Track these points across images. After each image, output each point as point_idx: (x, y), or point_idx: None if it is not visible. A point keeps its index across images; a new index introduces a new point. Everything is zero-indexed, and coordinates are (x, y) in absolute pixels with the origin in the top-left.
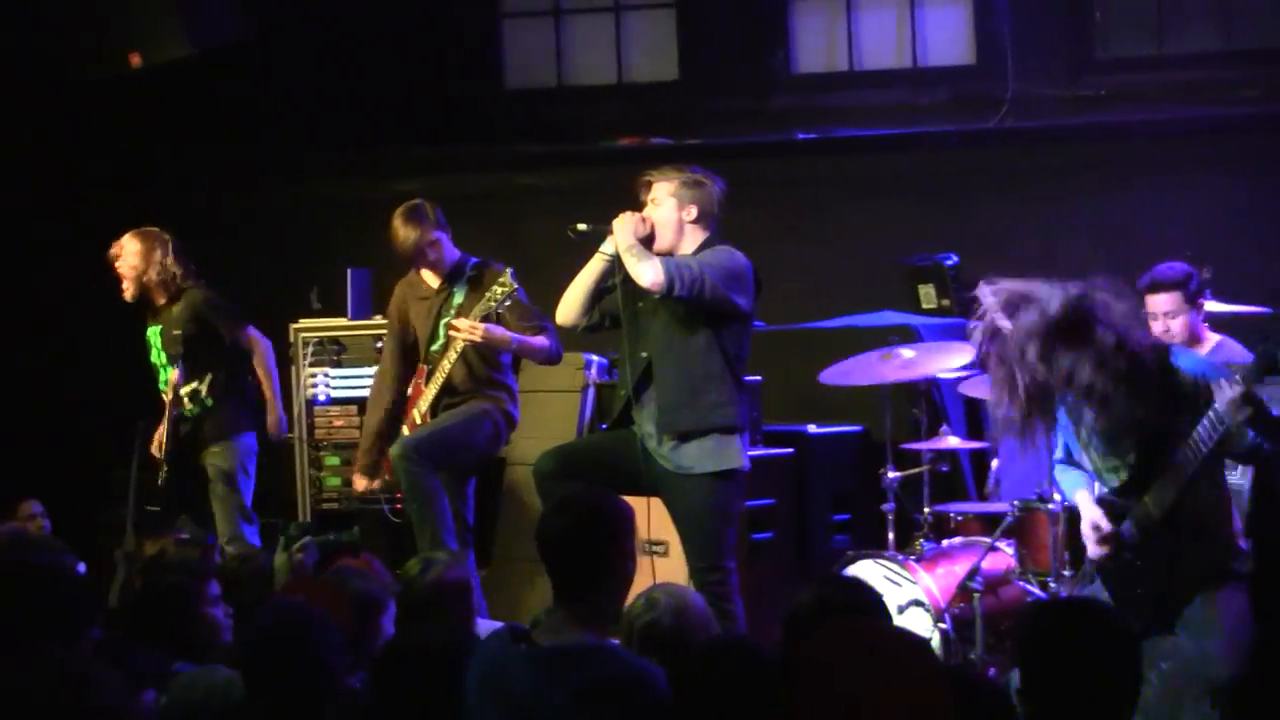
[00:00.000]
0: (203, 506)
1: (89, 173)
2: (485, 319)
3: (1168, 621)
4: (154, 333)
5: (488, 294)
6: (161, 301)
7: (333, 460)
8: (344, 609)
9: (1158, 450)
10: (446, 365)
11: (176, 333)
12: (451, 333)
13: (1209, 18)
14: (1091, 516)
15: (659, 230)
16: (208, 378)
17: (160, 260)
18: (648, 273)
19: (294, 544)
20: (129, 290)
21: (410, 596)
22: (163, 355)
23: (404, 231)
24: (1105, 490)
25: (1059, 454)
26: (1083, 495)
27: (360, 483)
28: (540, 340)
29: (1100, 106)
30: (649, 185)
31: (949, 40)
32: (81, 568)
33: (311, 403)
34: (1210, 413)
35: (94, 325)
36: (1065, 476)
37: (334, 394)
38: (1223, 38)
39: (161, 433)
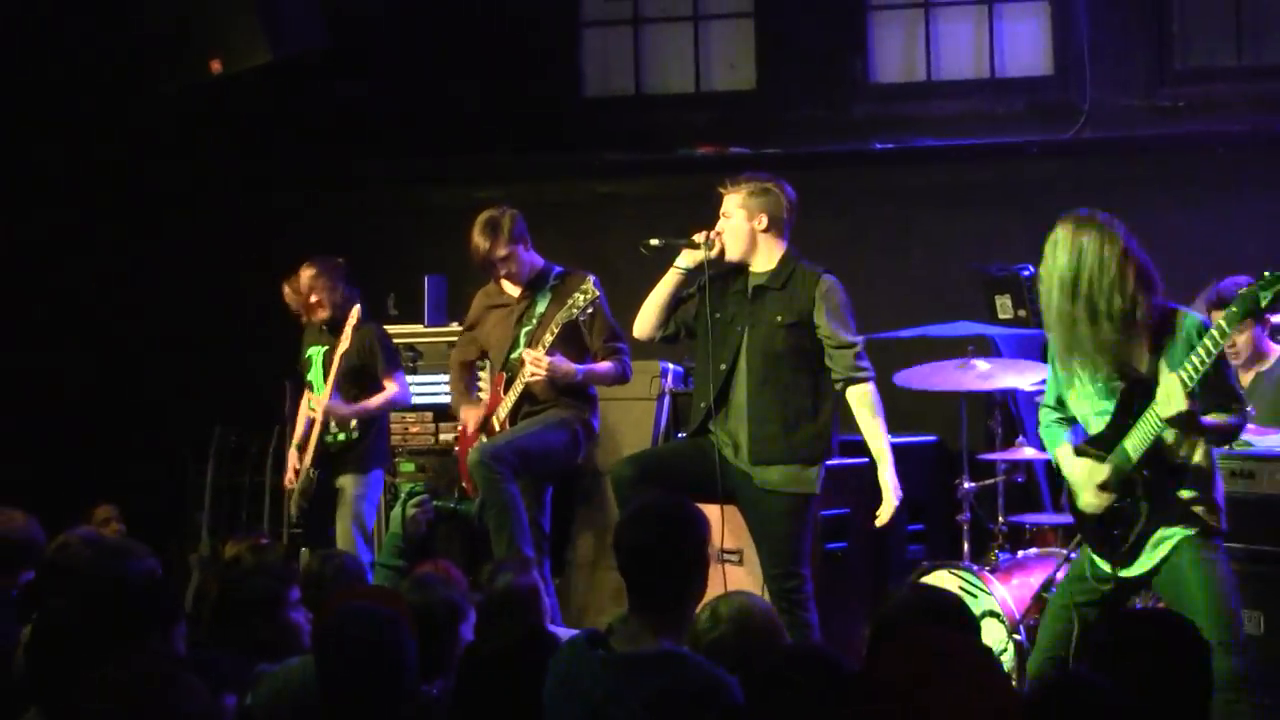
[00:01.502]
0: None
1: (165, 179)
2: (568, 325)
3: (1142, 567)
4: (317, 352)
5: (570, 300)
6: (327, 324)
7: (408, 466)
8: (409, 617)
9: (1141, 399)
10: (526, 374)
11: (343, 359)
12: (521, 370)
13: None
14: (1083, 469)
15: (730, 242)
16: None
17: (340, 284)
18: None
19: (413, 499)
20: (323, 313)
21: (483, 602)
22: (321, 375)
23: (476, 242)
24: (1081, 440)
25: (1048, 399)
26: (1064, 449)
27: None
28: (606, 367)
29: (1178, 117)
30: (720, 198)
31: (1027, 50)
32: (158, 568)
33: None
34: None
35: (169, 332)
36: (1048, 431)
37: (411, 400)
38: None
39: (294, 455)
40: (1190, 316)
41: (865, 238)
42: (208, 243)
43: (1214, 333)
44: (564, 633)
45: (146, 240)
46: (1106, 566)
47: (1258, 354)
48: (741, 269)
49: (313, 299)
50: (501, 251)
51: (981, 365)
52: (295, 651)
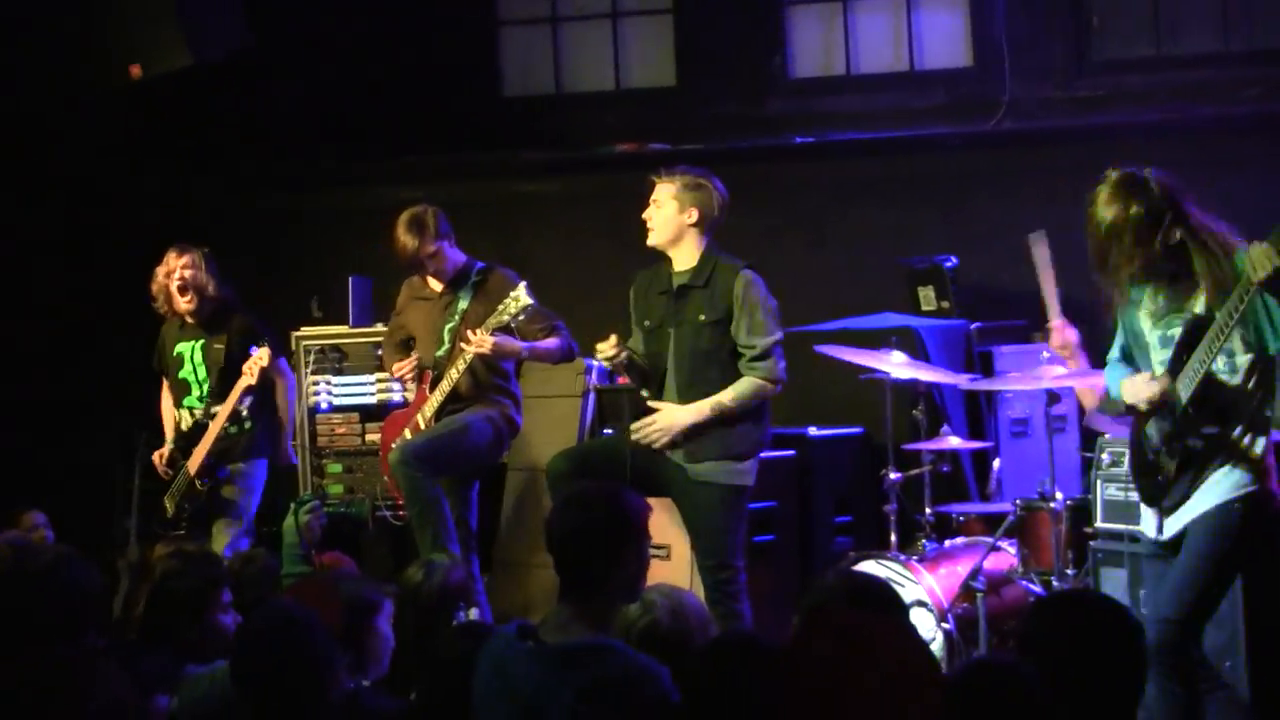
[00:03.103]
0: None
1: (86, 182)
2: (497, 331)
3: (1178, 518)
4: (191, 348)
5: (500, 306)
6: (198, 318)
7: (335, 468)
8: (336, 610)
9: (1196, 338)
10: (454, 375)
11: (219, 349)
12: (462, 345)
13: (1205, 19)
14: (1147, 380)
15: (658, 229)
16: (248, 400)
17: (211, 276)
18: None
19: (303, 507)
20: (190, 302)
21: (416, 601)
22: (200, 371)
23: (403, 240)
24: None
25: (1114, 353)
26: (1129, 379)
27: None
28: (552, 343)
29: (1097, 108)
30: (652, 185)
31: (946, 43)
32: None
33: (313, 410)
34: (1236, 287)
35: (91, 334)
36: (1110, 374)
37: (336, 401)
38: (1220, 39)
39: (167, 449)
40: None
41: (786, 231)
42: (128, 245)
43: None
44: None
45: (66, 244)
46: (1151, 530)
47: None
48: (663, 270)
49: (194, 289)
50: (430, 248)
51: (897, 357)
52: (224, 655)
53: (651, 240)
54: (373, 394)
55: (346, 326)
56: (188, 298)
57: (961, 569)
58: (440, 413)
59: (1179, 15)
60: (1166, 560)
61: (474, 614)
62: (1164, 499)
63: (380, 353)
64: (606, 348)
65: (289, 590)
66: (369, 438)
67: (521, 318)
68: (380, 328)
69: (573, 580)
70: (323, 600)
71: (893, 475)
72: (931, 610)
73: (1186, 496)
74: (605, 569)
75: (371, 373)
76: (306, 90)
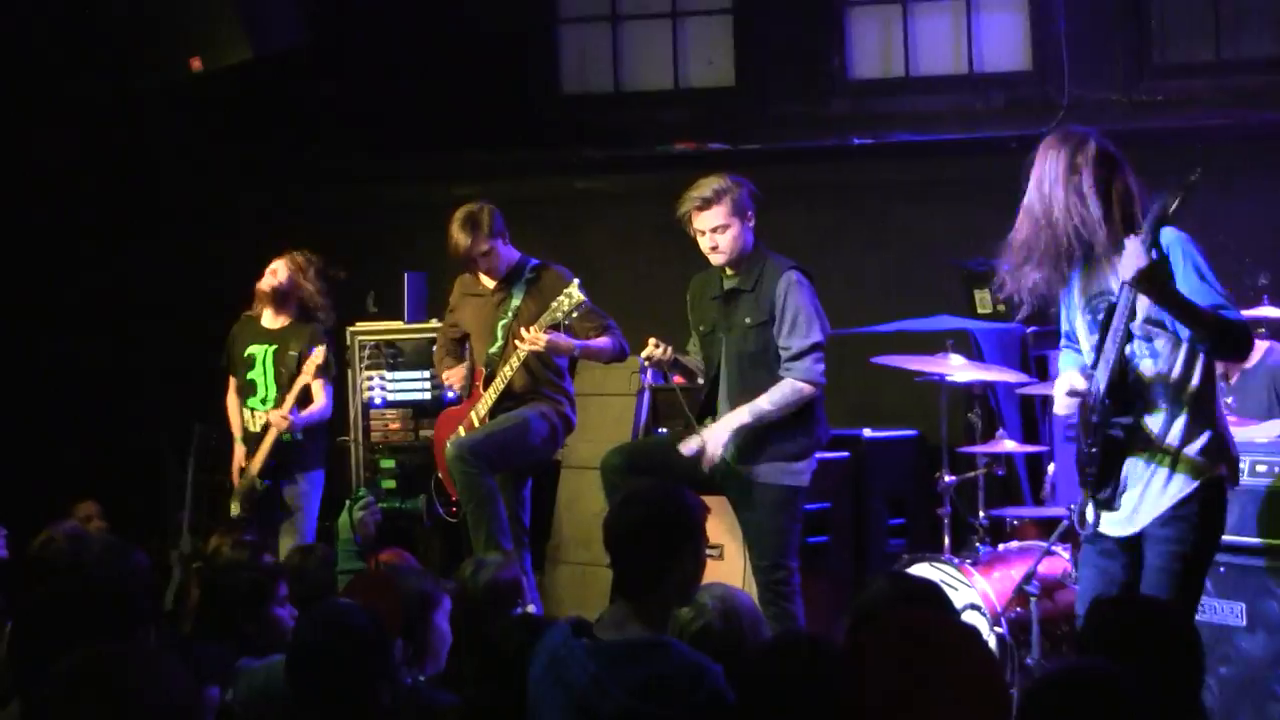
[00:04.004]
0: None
1: (139, 175)
2: (550, 329)
3: (1128, 527)
4: (264, 351)
5: (554, 304)
6: (286, 321)
7: (388, 463)
8: (395, 605)
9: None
10: (508, 372)
11: (293, 356)
12: (516, 342)
13: (1267, 23)
14: (1068, 379)
15: (730, 251)
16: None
17: (303, 283)
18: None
19: (358, 503)
20: (267, 301)
21: (465, 597)
22: (269, 375)
23: (456, 238)
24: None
25: (1063, 336)
26: (1066, 374)
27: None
28: (604, 341)
29: (1157, 111)
30: (694, 216)
31: (1005, 45)
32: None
33: (368, 406)
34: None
35: (148, 329)
36: (1063, 358)
37: (390, 397)
38: None
39: (242, 452)
40: (1169, 231)
41: (843, 232)
42: (185, 241)
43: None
44: None
45: (124, 238)
46: (1090, 520)
47: None
48: (715, 274)
49: (274, 292)
50: (482, 247)
51: (955, 360)
52: (280, 648)
53: (724, 261)
54: (427, 390)
55: (401, 322)
56: (268, 300)
57: (1015, 573)
58: (495, 410)
59: (1240, 19)
60: (1111, 556)
61: (530, 609)
62: (1098, 490)
63: (435, 349)
64: (650, 350)
65: (347, 587)
66: (423, 433)
67: (575, 315)
68: (435, 323)
69: (629, 578)
70: (381, 596)
71: (947, 478)
72: (984, 614)
73: (1118, 492)
74: (662, 567)
75: (426, 368)
76: (364, 85)
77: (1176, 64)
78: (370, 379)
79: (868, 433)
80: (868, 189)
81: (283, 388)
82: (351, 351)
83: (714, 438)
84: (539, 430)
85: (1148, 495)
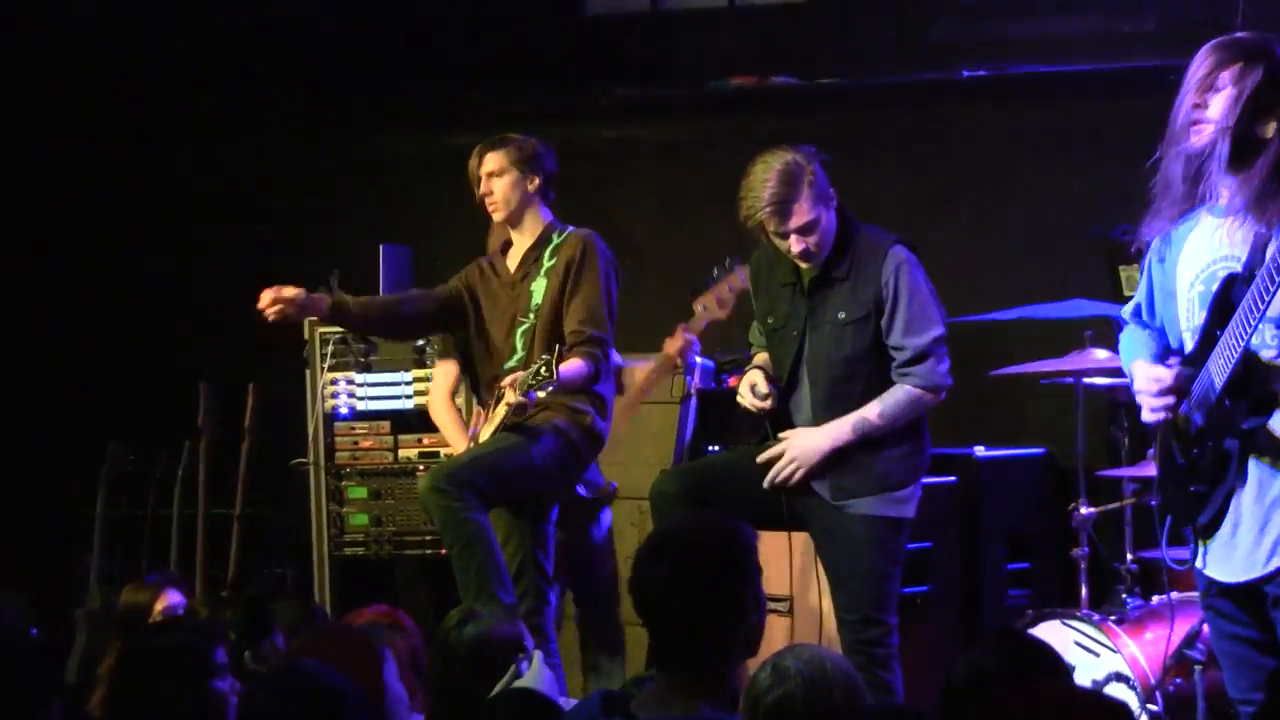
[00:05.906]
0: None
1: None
2: (553, 310)
3: (1248, 569)
4: None
5: (529, 372)
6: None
7: (358, 492)
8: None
9: (1232, 300)
10: (502, 411)
11: None
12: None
13: None
14: (1152, 374)
15: (817, 250)
16: None
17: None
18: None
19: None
20: None
21: (443, 653)
22: None
23: (492, 160)
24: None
25: (1128, 310)
26: (1139, 364)
27: None
28: (574, 370)
29: None
30: (769, 223)
31: None
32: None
33: (331, 417)
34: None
35: (50, 326)
36: (1127, 339)
37: (359, 406)
38: None
39: None
40: None
41: (950, 195)
42: (99, 205)
43: None
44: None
45: (31, 206)
46: (1197, 559)
47: None
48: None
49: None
50: (529, 186)
51: (1100, 354)
52: None
53: (821, 261)
54: (409, 396)
55: None
56: None
57: (1174, 634)
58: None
59: None
60: (1229, 618)
61: (537, 678)
62: (1198, 514)
63: (419, 343)
64: (749, 400)
65: (296, 650)
66: (403, 453)
67: (550, 388)
68: None
69: (665, 643)
70: (335, 657)
71: (1084, 510)
72: (1134, 686)
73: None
74: (700, 631)
75: (408, 369)
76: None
77: None
78: (334, 383)
79: (980, 451)
80: (980, 137)
81: None
82: (311, 348)
83: (806, 442)
84: (548, 449)
85: (1270, 526)
